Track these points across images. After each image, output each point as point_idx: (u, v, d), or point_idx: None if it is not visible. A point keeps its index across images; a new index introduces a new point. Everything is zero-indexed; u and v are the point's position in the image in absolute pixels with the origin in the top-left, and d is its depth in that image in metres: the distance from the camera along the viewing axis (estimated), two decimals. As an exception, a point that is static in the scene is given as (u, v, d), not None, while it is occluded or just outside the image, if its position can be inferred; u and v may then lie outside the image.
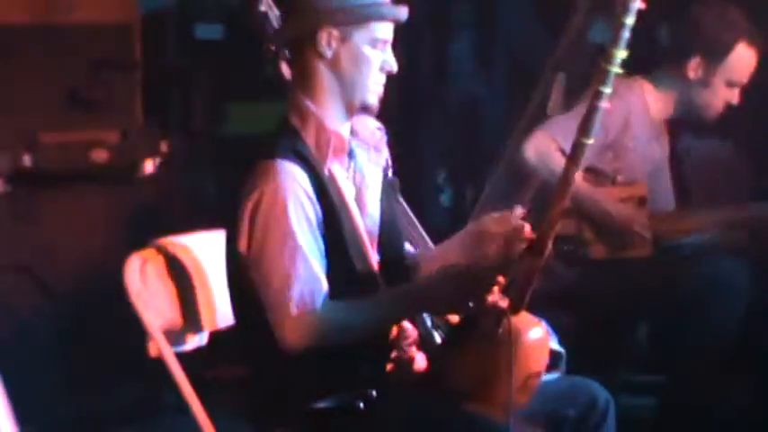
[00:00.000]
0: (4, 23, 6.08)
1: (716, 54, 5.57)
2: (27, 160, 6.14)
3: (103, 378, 5.96)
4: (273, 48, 3.91)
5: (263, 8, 3.91)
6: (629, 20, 3.64)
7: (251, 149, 3.91)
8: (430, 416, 3.68)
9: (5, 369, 3.31)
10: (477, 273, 3.68)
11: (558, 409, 3.92)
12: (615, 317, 5.54)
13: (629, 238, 5.41)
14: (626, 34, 3.70)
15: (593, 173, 5.42)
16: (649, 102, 5.67)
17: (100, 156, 6.28)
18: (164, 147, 6.46)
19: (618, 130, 5.45)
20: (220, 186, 6.88)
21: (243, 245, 3.68)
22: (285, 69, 3.95)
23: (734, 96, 5.68)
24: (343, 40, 3.76)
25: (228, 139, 7.14)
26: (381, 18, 3.82)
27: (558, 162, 5.13)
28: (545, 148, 5.49)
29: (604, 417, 3.98)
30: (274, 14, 3.93)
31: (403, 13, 3.81)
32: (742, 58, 5.60)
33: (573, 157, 3.70)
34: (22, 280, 6.14)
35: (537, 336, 3.77)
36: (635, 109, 5.60)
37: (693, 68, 5.30)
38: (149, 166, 6.47)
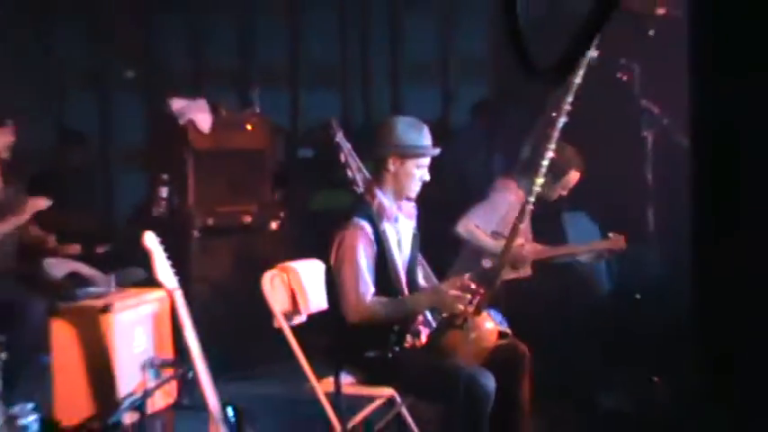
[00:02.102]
0: (203, 148, 8.51)
1: (557, 174, 7.03)
2: (210, 221, 8.54)
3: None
4: (346, 160, 5.69)
5: (337, 140, 5.72)
6: (549, 155, 5.63)
7: (330, 218, 5.91)
8: (428, 365, 5.44)
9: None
10: (442, 296, 5.34)
11: (495, 360, 5.47)
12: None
13: (521, 265, 7.07)
14: (545, 164, 5.70)
15: (496, 234, 7.09)
16: (518, 195, 7.08)
17: (246, 219, 8.68)
18: (282, 214, 8.93)
19: (507, 210, 7.06)
20: (312, 237, 7.81)
21: (332, 261, 5.41)
22: (352, 173, 5.69)
23: (564, 194, 7.30)
24: (402, 163, 5.45)
25: (318, 211, 9.34)
26: (424, 155, 5.55)
27: (478, 234, 7.21)
28: (470, 227, 7.18)
29: (522, 363, 5.64)
30: (345, 144, 5.71)
31: (437, 151, 5.59)
32: (571, 179, 7.18)
33: (518, 217, 5.79)
34: (205, 287, 8.16)
35: (488, 327, 5.58)
36: (512, 199, 7.13)
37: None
38: (274, 224, 8.85)
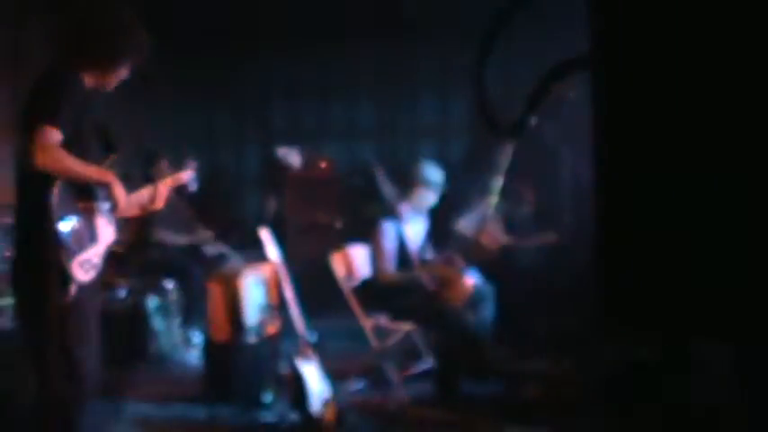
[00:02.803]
0: (295, 177, 8.54)
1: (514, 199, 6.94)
2: (299, 221, 8.52)
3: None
4: (381, 185, 5.82)
5: (379, 176, 5.77)
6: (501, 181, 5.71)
7: (373, 221, 5.96)
8: (432, 306, 5.58)
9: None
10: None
11: (471, 301, 5.66)
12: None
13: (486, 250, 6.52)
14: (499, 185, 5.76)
15: (473, 229, 6.65)
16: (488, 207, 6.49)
17: (321, 220, 8.64)
18: (343, 218, 8.81)
19: (483, 215, 6.58)
20: (361, 232, 6.76)
21: (373, 245, 5.75)
22: (385, 193, 5.76)
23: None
24: (425, 190, 5.72)
25: (366, 217, 7.86)
26: (437, 191, 5.76)
27: (463, 230, 6.74)
28: (459, 226, 6.72)
29: (485, 297, 5.70)
30: (381, 176, 5.84)
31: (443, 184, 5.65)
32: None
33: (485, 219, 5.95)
34: (297, 262, 6.67)
35: (468, 281, 5.76)
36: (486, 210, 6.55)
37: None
38: (338, 224, 8.74)
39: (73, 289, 3.18)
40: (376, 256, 5.65)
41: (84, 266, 3.24)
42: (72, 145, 3.22)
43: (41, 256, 3.11)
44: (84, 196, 3.32)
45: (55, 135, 3.13)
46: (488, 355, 5.64)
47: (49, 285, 3.11)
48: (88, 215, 3.33)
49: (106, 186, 3.36)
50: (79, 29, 3.44)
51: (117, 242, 3.54)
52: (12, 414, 4.53)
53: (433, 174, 5.73)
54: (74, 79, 3.32)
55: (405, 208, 5.72)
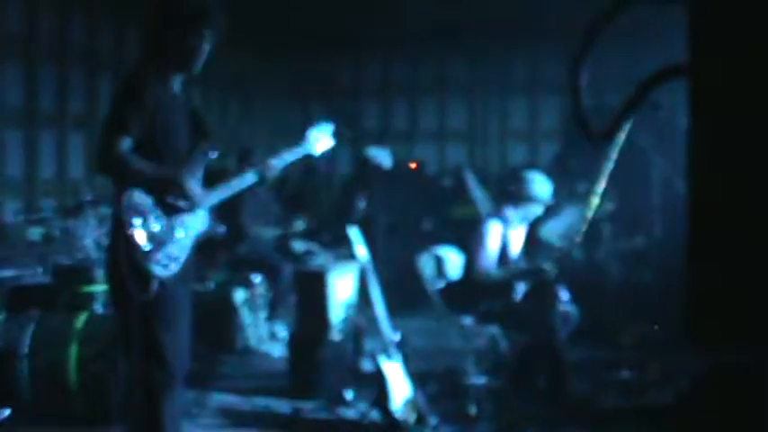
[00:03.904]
0: (385, 178, 8.35)
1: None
2: (388, 221, 8.66)
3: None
4: (470, 188, 6.51)
5: (465, 176, 6.88)
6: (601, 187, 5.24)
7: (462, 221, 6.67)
8: (524, 312, 5.47)
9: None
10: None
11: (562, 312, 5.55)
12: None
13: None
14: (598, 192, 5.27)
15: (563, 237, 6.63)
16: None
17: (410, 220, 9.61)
18: (427, 224, 8.93)
19: (570, 222, 6.65)
20: (449, 232, 7.20)
21: (470, 243, 5.49)
22: (473, 195, 6.82)
23: None
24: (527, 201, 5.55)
25: (453, 217, 8.59)
26: (545, 205, 5.63)
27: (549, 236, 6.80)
28: (544, 231, 6.82)
29: (571, 317, 5.47)
30: (470, 178, 6.65)
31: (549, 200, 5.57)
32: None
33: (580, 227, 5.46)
34: (385, 261, 7.36)
35: (560, 291, 5.55)
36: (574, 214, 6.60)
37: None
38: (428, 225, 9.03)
39: (154, 285, 3.25)
40: (474, 255, 5.50)
41: (164, 262, 3.30)
42: (144, 146, 3.31)
43: (117, 256, 3.24)
44: (160, 193, 3.38)
45: (118, 142, 3.23)
46: (568, 368, 5.49)
47: (127, 283, 3.21)
48: (167, 211, 3.38)
49: (175, 186, 3.40)
50: (156, 7, 3.47)
51: (206, 233, 3.60)
52: (104, 396, 4.68)
53: (545, 190, 5.60)
54: (140, 81, 3.35)
55: (510, 213, 5.61)
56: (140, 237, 3.22)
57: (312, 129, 4.14)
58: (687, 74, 1.53)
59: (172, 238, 3.37)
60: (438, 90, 9.61)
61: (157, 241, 3.30)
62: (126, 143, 3.25)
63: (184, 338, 3.48)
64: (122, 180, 3.28)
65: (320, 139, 4.14)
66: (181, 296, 3.46)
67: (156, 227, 3.30)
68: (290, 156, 4.01)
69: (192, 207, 3.48)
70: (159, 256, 3.29)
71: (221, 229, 6.54)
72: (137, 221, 3.23)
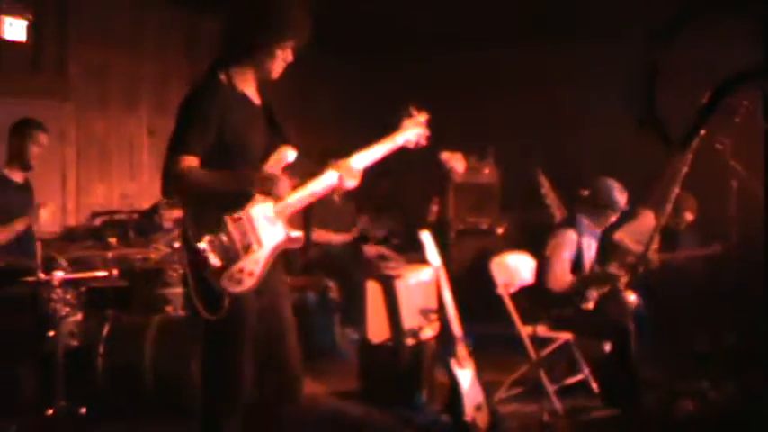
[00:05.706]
0: (458, 182, 8.36)
1: (678, 211, 6.73)
2: (461, 226, 8.45)
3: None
4: (546, 193, 6.02)
5: (540, 180, 6.09)
6: (675, 194, 5.29)
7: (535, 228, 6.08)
8: (598, 318, 5.41)
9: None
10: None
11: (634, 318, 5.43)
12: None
13: (650, 263, 6.25)
14: (672, 198, 5.36)
15: (638, 242, 6.51)
16: (652, 219, 6.63)
17: (483, 226, 8.51)
18: (505, 224, 8.78)
19: (645, 228, 6.55)
20: (523, 239, 7.68)
21: (547, 251, 5.45)
22: (549, 201, 6.32)
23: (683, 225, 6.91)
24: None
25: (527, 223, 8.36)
26: (620, 212, 5.59)
27: (626, 241, 6.66)
28: (620, 236, 6.69)
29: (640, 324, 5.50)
30: (545, 184, 5.98)
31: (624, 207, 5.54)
32: (687, 217, 6.72)
33: (653, 233, 5.56)
34: (457, 267, 7.67)
35: (631, 298, 5.68)
36: (649, 222, 6.66)
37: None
38: (500, 230, 8.68)
39: (226, 302, 3.16)
40: (549, 266, 5.46)
41: (236, 277, 3.20)
42: (214, 158, 3.22)
43: (187, 277, 3.17)
44: (232, 208, 3.27)
45: (183, 162, 3.15)
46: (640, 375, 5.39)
47: (195, 299, 3.15)
48: (238, 225, 3.26)
49: (259, 189, 3.31)
50: (237, 9, 3.36)
51: (291, 241, 3.47)
52: (178, 396, 4.72)
53: (622, 198, 5.54)
54: (203, 94, 3.27)
55: (585, 220, 5.57)
56: (210, 252, 3.14)
57: (405, 118, 3.83)
58: (763, 78, 1.51)
59: (247, 250, 3.26)
60: (513, 93, 9.42)
61: (228, 256, 3.19)
62: (190, 162, 3.17)
63: (258, 358, 3.32)
64: (196, 194, 3.21)
65: (415, 130, 3.86)
66: (258, 311, 3.33)
67: (225, 242, 3.20)
68: (379, 150, 3.73)
69: (278, 212, 3.39)
70: (231, 271, 3.20)
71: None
72: (206, 237, 3.15)
